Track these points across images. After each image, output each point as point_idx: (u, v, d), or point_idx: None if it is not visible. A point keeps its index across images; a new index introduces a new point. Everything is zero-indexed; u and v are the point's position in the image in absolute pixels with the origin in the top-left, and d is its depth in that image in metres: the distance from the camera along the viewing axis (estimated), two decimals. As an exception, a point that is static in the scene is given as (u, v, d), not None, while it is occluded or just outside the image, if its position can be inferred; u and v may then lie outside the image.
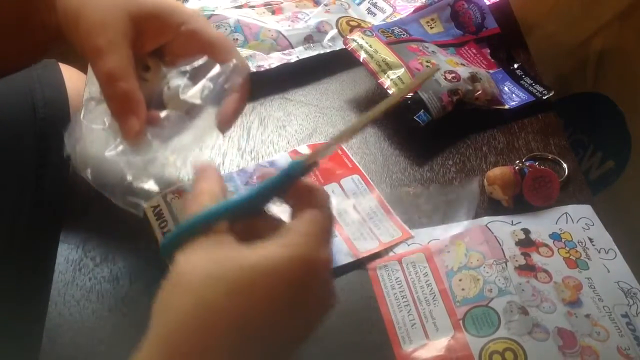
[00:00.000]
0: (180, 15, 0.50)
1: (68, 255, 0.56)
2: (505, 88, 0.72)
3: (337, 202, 0.61)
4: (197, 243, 0.36)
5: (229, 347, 0.33)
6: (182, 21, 0.50)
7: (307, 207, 0.38)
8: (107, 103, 0.47)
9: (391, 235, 0.58)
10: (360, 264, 0.56)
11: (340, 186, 0.62)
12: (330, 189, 0.62)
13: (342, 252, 0.56)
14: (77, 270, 0.55)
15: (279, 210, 0.41)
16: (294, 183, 0.40)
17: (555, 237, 0.57)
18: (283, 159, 0.65)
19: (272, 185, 0.39)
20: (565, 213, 0.60)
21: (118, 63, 0.46)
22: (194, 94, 0.49)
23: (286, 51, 0.73)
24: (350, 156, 0.65)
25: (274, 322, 0.35)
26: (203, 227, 0.37)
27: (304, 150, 0.66)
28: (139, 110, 0.47)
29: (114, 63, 0.46)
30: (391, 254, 0.57)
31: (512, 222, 0.59)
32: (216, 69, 0.49)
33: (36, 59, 0.63)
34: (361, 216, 0.60)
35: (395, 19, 0.78)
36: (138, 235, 0.57)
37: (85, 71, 0.73)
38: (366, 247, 0.57)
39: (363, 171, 0.64)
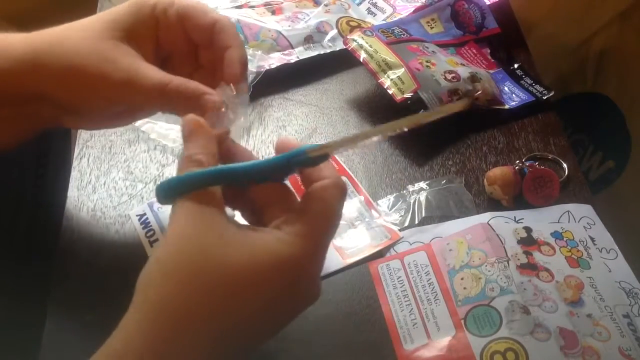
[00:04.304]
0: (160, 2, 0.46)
1: (68, 255, 0.55)
2: (505, 88, 0.72)
3: None
4: (192, 214, 0.35)
5: (205, 343, 0.33)
6: (165, 6, 0.46)
7: (316, 196, 0.37)
8: (177, 108, 0.44)
9: (380, 239, 0.57)
10: (361, 263, 0.56)
11: None
12: None
13: (328, 258, 0.55)
14: (77, 269, 0.54)
15: None
16: (294, 171, 0.38)
17: (557, 235, 0.57)
18: None
19: (269, 166, 0.38)
20: (567, 211, 0.60)
21: (155, 72, 0.44)
22: None
23: (286, 51, 0.73)
24: (337, 158, 0.64)
25: (256, 320, 0.35)
26: (197, 186, 0.36)
27: None
28: (205, 88, 0.44)
29: (153, 74, 0.43)
30: (392, 252, 0.57)
31: (514, 218, 0.59)
32: None
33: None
34: (348, 221, 0.59)
35: (396, 19, 0.78)
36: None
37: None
38: (354, 253, 0.56)
39: (350, 173, 0.63)
